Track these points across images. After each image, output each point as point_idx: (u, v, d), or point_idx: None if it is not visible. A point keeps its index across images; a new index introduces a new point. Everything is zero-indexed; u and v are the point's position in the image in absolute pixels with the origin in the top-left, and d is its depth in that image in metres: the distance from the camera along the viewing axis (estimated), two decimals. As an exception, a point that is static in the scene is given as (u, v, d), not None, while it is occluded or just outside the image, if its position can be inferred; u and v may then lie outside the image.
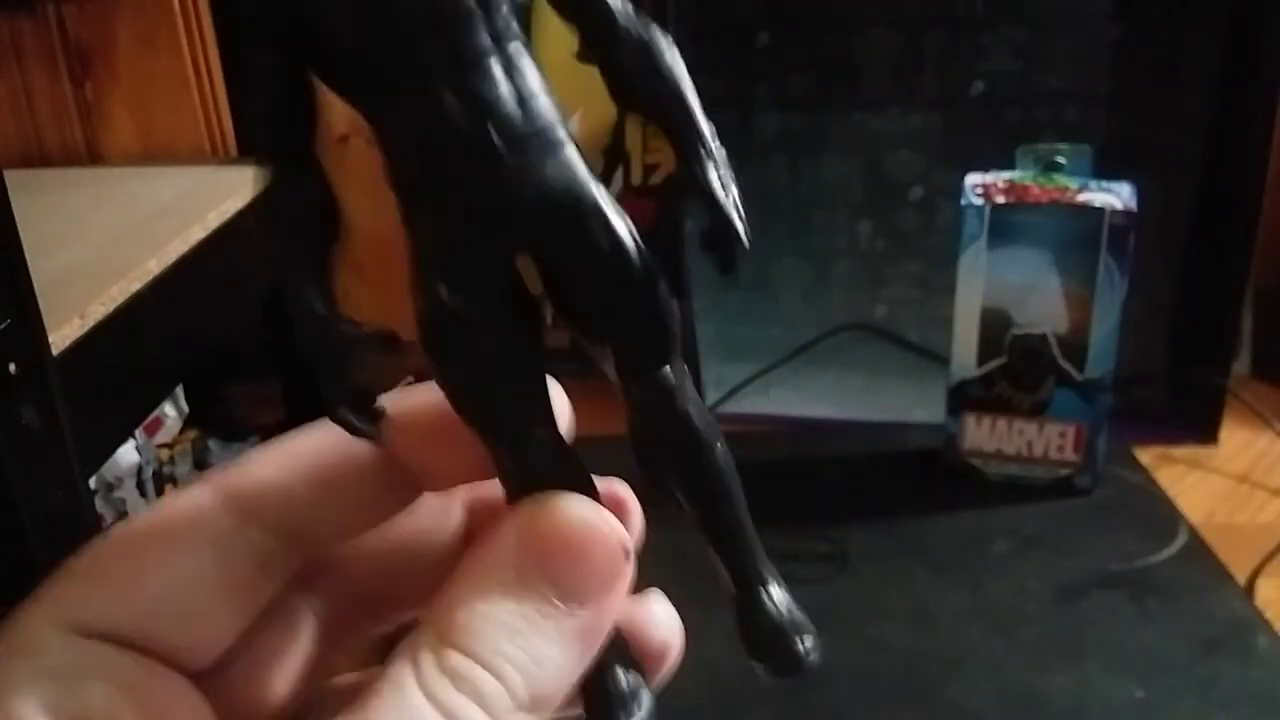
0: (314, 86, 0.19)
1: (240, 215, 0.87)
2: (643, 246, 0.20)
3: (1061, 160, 0.74)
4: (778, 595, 0.22)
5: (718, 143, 0.20)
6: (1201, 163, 0.88)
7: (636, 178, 0.97)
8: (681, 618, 0.23)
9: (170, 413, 0.88)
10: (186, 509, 0.22)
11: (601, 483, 0.22)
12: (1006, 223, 0.72)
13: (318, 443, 0.23)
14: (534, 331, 0.21)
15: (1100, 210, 0.70)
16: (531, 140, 0.19)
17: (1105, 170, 0.74)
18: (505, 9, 0.19)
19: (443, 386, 0.21)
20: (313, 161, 0.20)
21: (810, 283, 1.01)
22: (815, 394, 0.94)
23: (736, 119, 0.96)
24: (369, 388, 0.21)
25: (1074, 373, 0.73)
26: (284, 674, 0.24)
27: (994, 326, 0.74)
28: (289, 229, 0.20)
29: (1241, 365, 0.94)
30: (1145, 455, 0.82)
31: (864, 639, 0.63)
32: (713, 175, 0.20)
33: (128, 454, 0.82)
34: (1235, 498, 0.81)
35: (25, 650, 0.20)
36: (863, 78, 0.96)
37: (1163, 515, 0.74)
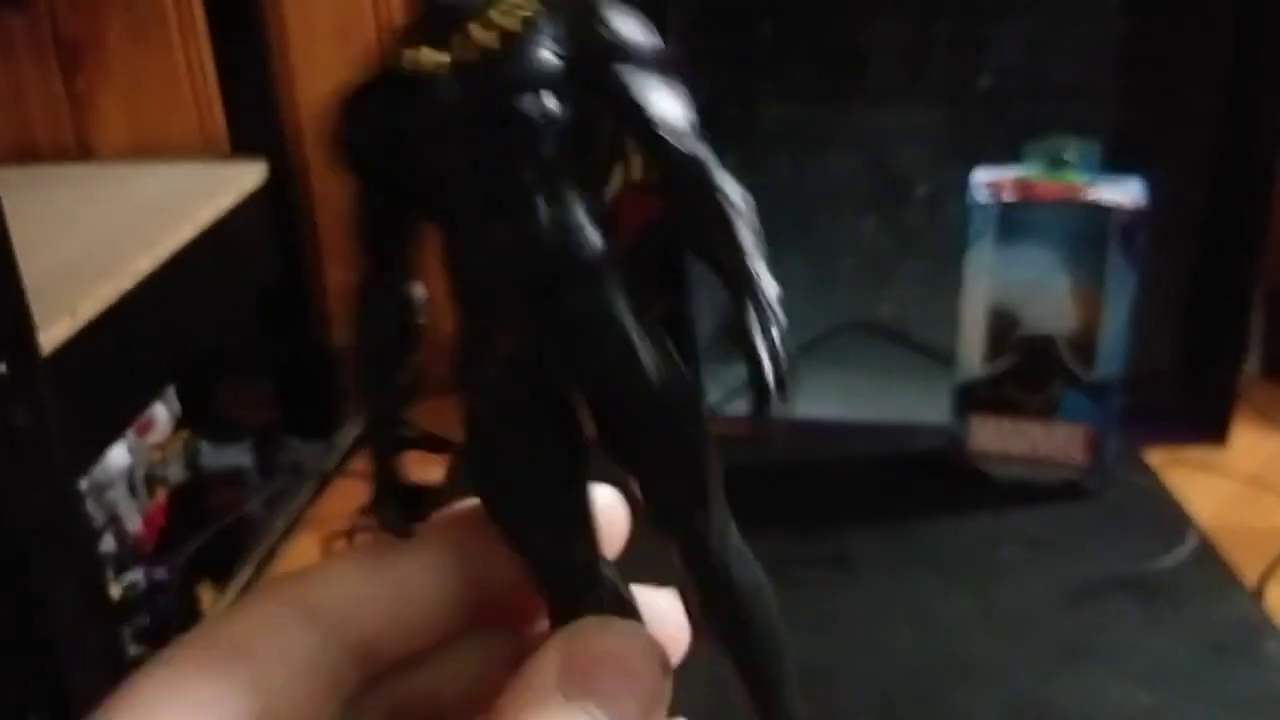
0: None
1: (233, 212, 0.87)
2: (674, 383, 0.21)
3: (1070, 156, 0.74)
4: None
5: (769, 280, 0.21)
6: (1211, 159, 0.87)
7: (637, 174, 0.95)
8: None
9: (162, 413, 0.87)
10: (260, 625, 0.22)
11: (648, 593, 0.23)
12: (1014, 220, 0.71)
13: (399, 560, 0.23)
14: (573, 451, 0.21)
15: (1109, 207, 0.69)
16: (566, 272, 0.20)
17: (1114, 166, 0.73)
18: (552, 148, 0.21)
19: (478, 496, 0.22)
20: (404, 270, 0.22)
21: (813, 281, 1.00)
22: (819, 394, 0.93)
23: (738, 112, 0.95)
24: (417, 488, 0.22)
25: (1082, 373, 0.73)
26: None
27: (1001, 326, 0.73)
28: (371, 350, 0.22)
29: (1251, 366, 0.94)
30: (1155, 457, 0.81)
31: (868, 644, 0.62)
32: (756, 333, 0.21)
33: (119, 455, 0.81)
34: (1245, 500, 0.80)
35: None
36: (867, 71, 0.95)
37: (1172, 518, 0.73)
